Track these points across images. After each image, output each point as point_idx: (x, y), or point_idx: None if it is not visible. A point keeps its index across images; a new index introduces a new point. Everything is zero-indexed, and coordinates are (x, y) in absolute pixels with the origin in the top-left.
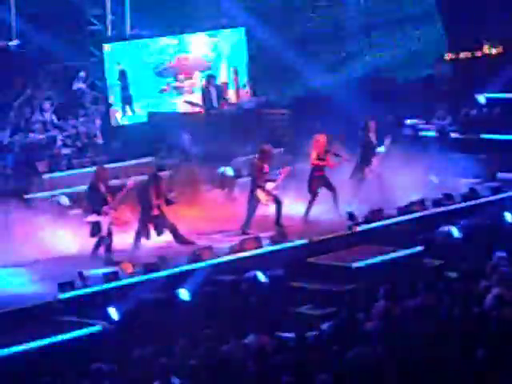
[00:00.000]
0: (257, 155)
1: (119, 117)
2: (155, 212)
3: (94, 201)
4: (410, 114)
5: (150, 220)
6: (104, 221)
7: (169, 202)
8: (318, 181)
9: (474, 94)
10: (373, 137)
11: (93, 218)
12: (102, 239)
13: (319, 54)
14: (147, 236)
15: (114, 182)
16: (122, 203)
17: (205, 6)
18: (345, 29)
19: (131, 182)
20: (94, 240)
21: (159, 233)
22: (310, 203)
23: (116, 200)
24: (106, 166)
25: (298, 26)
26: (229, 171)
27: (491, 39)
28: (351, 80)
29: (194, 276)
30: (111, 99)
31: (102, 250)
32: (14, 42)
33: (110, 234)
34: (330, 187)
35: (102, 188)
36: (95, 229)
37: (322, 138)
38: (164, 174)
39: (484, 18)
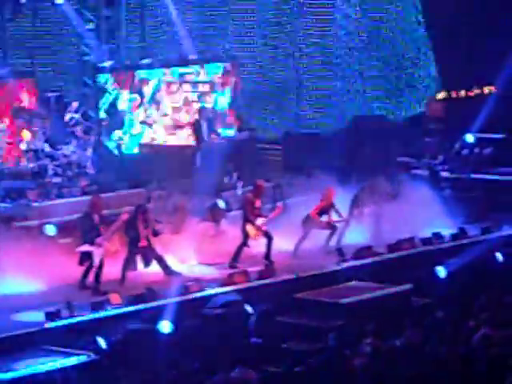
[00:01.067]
0: (250, 189)
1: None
2: (143, 243)
3: (87, 231)
4: (401, 152)
5: (138, 251)
6: (96, 252)
7: (156, 233)
8: (310, 226)
9: (464, 134)
10: (369, 198)
11: (85, 248)
12: (90, 268)
13: (310, 89)
14: (134, 267)
15: (104, 213)
16: (114, 234)
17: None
18: (336, 65)
19: (125, 214)
20: (82, 269)
21: (146, 264)
22: (301, 239)
23: (109, 231)
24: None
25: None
26: (220, 204)
27: (482, 80)
28: (342, 117)
29: (181, 308)
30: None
31: (89, 279)
32: (5, 70)
33: (101, 264)
34: (329, 227)
35: (96, 218)
36: (84, 258)
37: (333, 193)
38: (153, 204)
39: (477, 59)
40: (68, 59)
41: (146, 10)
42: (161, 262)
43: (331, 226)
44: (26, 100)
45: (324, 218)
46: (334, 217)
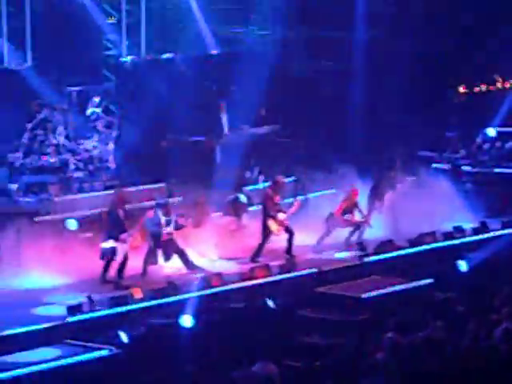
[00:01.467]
0: (269, 185)
1: None
2: (164, 237)
3: (112, 226)
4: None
5: (159, 244)
6: (121, 248)
7: (178, 227)
8: (333, 224)
9: (485, 128)
10: (394, 174)
11: (110, 244)
12: (111, 262)
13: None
14: (155, 261)
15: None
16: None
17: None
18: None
19: (151, 211)
20: (103, 263)
21: (167, 258)
22: (324, 235)
23: (134, 229)
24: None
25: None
26: (242, 198)
27: (504, 73)
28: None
29: (202, 303)
30: None
31: (110, 273)
32: (27, 64)
33: (125, 260)
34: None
35: (121, 213)
36: (107, 253)
37: (356, 193)
38: (175, 199)
39: (498, 53)
40: (89, 54)
41: (168, 4)
42: (182, 256)
43: (354, 224)
44: None
45: (347, 217)
46: (357, 216)
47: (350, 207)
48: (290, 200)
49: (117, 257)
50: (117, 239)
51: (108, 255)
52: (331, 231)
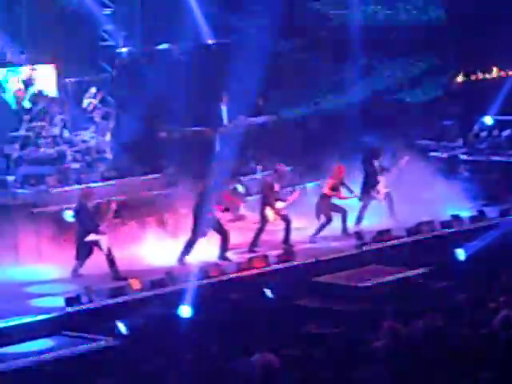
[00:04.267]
0: (269, 173)
1: None
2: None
3: (88, 220)
4: (419, 135)
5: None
6: (103, 240)
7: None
8: (327, 206)
9: (482, 116)
10: (377, 163)
11: (92, 237)
12: (112, 257)
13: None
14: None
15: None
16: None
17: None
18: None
19: (114, 202)
20: (100, 255)
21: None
22: (323, 225)
23: (108, 220)
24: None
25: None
26: (240, 188)
27: (501, 62)
28: (358, 102)
29: (201, 293)
30: None
31: (117, 266)
32: (23, 57)
33: (109, 250)
34: (338, 210)
35: (91, 208)
36: (83, 251)
37: (342, 170)
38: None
39: (496, 41)
40: (85, 44)
41: None
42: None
43: (341, 209)
44: None
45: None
46: (346, 194)
47: (337, 185)
48: (289, 189)
49: (103, 249)
50: (97, 232)
51: (84, 254)
52: (330, 216)
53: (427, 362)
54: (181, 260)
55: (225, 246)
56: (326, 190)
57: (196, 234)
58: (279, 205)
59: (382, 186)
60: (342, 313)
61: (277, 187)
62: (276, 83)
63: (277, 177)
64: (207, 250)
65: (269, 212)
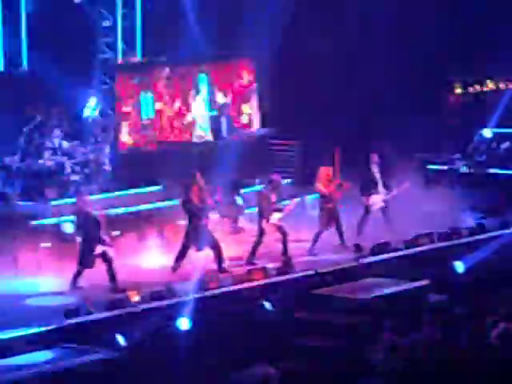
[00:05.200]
0: (265, 185)
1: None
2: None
3: (93, 230)
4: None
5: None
6: (109, 250)
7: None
8: (328, 213)
9: (481, 129)
10: (374, 169)
11: (99, 249)
12: (111, 268)
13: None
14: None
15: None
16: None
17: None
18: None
19: (102, 212)
20: (99, 266)
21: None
22: (318, 234)
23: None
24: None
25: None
26: (239, 200)
27: (497, 75)
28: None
29: (200, 305)
30: None
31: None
32: (24, 69)
33: (110, 262)
34: (337, 221)
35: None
36: (87, 262)
37: (326, 171)
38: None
39: (495, 54)
40: (85, 57)
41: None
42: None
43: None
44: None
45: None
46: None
47: (325, 184)
48: (287, 202)
49: (111, 258)
50: (102, 243)
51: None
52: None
53: (426, 374)
54: (174, 268)
55: (220, 258)
56: (317, 189)
57: (188, 242)
58: (276, 216)
59: (379, 200)
60: (341, 325)
61: (273, 198)
62: None
63: (271, 188)
64: (205, 262)
65: (265, 224)
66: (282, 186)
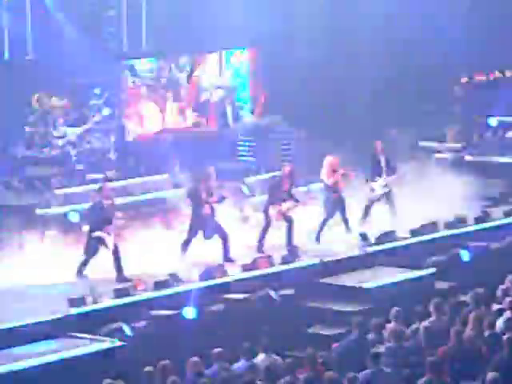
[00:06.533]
0: (278, 174)
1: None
2: (206, 210)
3: (97, 219)
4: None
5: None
6: (108, 239)
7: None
8: (333, 202)
9: (487, 117)
10: (380, 156)
11: (98, 233)
12: (117, 259)
13: None
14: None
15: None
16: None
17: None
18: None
19: (110, 202)
20: (105, 255)
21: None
22: (323, 223)
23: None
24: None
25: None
26: (244, 189)
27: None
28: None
29: (205, 294)
30: None
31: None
32: (29, 57)
33: (117, 251)
34: (343, 209)
35: (105, 206)
36: (91, 248)
37: (332, 160)
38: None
39: (502, 43)
40: (91, 45)
41: None
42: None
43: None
44: None
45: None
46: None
47: (330, 174)
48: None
49: (118, 247)
50: (103, 230)
51: (91, 251)
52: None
53: (430, 363)
54: (181, 257)
55: (227, 247)
56: (323, 178)
57: (192, 231)
58: (285, 205)
59: (379, 186)
60: (346, 314)
61: (285, 187)
62: None
63: (284, 176)
64: (211, 251)
65: (272, 211)
66: (294, 174)
